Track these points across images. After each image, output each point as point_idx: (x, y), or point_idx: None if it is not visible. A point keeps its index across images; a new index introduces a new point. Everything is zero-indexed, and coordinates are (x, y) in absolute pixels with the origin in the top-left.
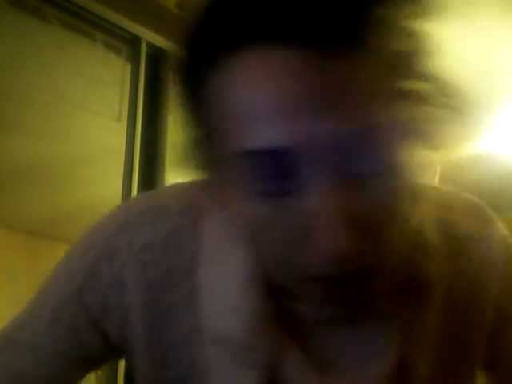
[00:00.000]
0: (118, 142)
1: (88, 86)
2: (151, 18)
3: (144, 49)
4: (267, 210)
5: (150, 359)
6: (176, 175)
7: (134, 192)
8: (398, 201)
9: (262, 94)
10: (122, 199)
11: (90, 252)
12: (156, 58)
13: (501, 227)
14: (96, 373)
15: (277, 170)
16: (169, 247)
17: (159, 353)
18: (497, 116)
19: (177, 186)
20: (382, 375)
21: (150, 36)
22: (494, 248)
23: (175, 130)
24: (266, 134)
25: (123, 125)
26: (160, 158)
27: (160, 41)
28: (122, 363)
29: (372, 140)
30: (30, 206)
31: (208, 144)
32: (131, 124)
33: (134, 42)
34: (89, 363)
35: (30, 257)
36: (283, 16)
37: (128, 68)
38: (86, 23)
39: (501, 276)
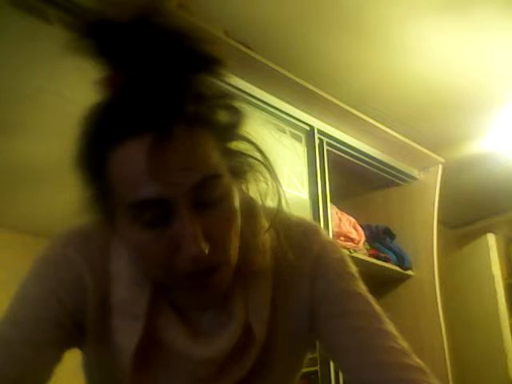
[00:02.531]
0: None
1: None
2: None
3: None
4: (149, 236)
5: (98, 345)
6: None
7: None
8: (232, 218)
9: (136, 168)
10: None
11: (52, 266)
12: None
13: (319, 234)
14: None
15: (155, 210)
16: (101, 256)
17: (105, 340)
18: (497, 116)
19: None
20: (233, 335)
21: None
22: (310, 246)
23: None
24: (144, 191)
25: None
26: None
27: None
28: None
29: (211, 183)
30: (31, 207)
31: (105, 200)
32: None
33: None
34: (70, 345)
35: (30, 257)
36: (134, 119)
37: None
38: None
39: (314, 265)
